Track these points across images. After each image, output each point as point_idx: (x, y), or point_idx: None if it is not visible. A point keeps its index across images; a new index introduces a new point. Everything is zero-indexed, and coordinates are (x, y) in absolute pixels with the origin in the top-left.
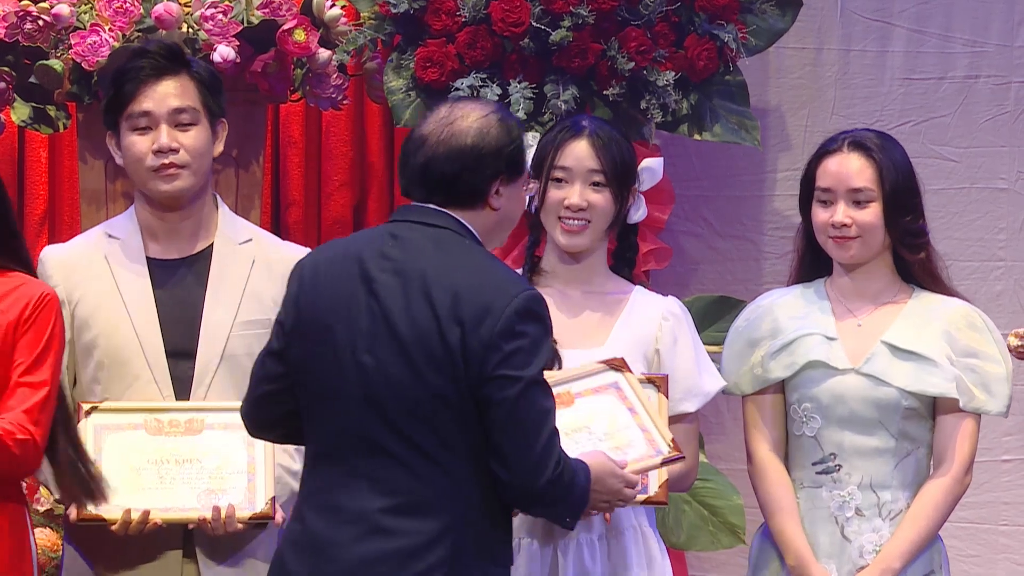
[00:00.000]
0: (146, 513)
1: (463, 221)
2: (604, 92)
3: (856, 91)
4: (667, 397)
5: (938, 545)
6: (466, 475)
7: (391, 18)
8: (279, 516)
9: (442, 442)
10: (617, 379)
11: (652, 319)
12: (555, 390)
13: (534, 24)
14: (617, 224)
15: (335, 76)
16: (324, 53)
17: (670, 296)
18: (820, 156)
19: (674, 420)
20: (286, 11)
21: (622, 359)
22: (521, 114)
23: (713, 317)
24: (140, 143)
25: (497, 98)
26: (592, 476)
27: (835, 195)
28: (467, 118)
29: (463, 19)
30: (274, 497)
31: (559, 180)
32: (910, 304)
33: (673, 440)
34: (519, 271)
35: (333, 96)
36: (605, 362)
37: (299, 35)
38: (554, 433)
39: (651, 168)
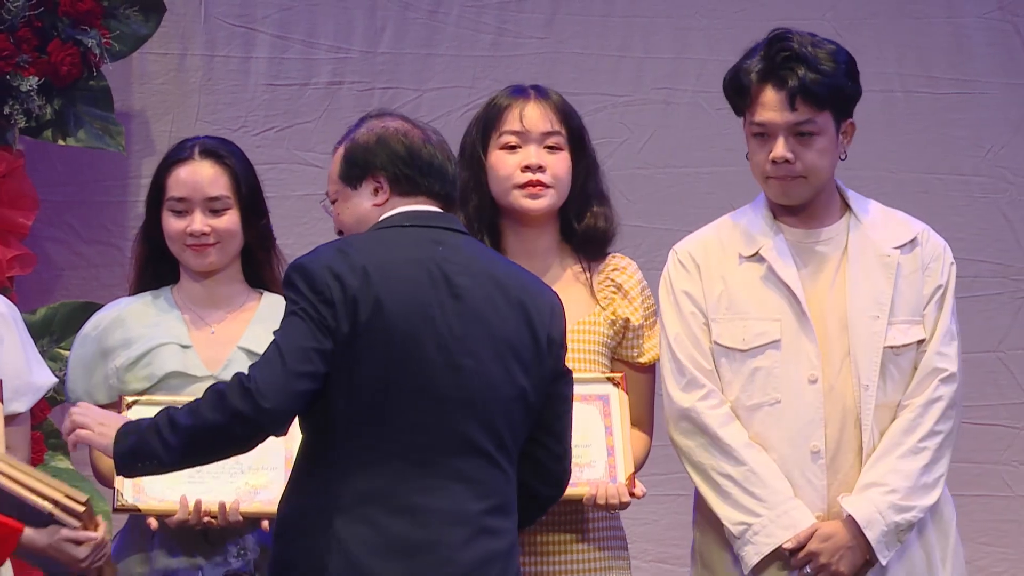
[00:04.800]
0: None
1: None
2: None
3: (221, 96)
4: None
5: None
6: (515, 471)
7: None
8: None
9: (516, 441)
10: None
11: None
12: None
13: None
14: None
15: None
16: None
17: None
18: (170, 164)
19: (8, 421)
20: None
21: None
22: None
23: (78, 323)
24: None
25: None
26: None
27: (191, 204)
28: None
29: None
30: None
31: None
32: (261, 308)
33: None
34: None
35: None
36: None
37: None
38: None
39: None
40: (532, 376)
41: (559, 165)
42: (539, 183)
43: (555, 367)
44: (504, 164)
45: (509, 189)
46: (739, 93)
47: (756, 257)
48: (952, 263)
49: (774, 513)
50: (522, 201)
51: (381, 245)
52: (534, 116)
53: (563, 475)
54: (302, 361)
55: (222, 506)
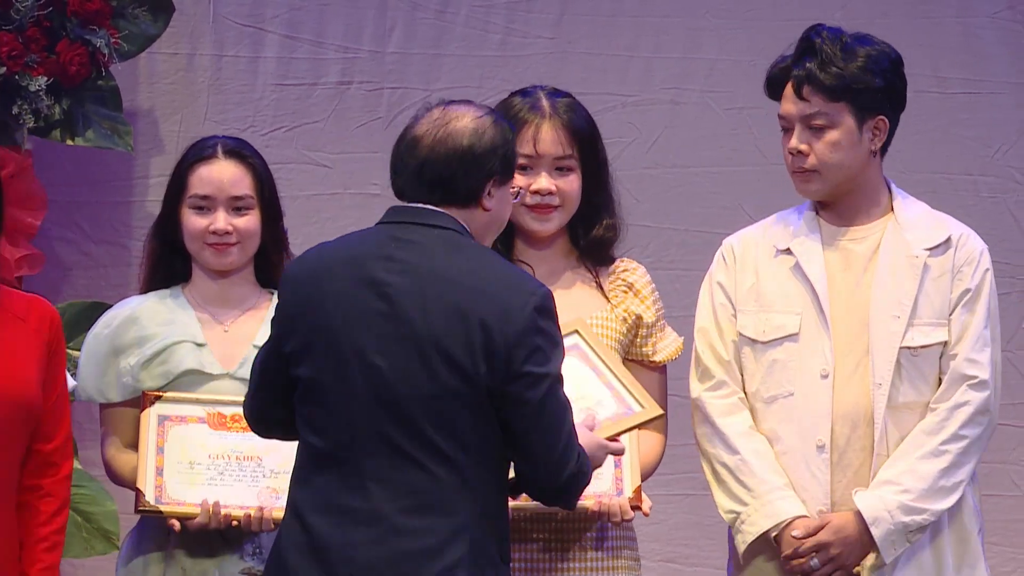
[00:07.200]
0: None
1: (460, 221)
2: None
3: (229, 96)
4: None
5: None
6: (478, 473)
7: None
8: None
9: (456, 441)
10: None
11: None
12: None
13: None
14: None
15: None
16: None
17: None
18: (193, 162)
19: None
20: None
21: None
22: None
23: (87, 323)
24: None
25: None
26: (588, 455)
27: (215, 203)
28: (462, 119)
29: None
30: None
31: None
32: (272, 307)
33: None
34: None
35: None
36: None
37: None
38: (573, 427)
39: None
40: (471, 376)
41: (569, 186)
42: (547, 206)
43: (509, 368)
44: (514, 183)
45: (517, 207)
46: (770, 87)
47: (788, 251)
48: (988, 268)
49: (759, 502)
50: (530, 223)
51: (338, 244)
52: (547, 141)
53: (538, 474)
54: (257, 378)
55: (258, 511)
